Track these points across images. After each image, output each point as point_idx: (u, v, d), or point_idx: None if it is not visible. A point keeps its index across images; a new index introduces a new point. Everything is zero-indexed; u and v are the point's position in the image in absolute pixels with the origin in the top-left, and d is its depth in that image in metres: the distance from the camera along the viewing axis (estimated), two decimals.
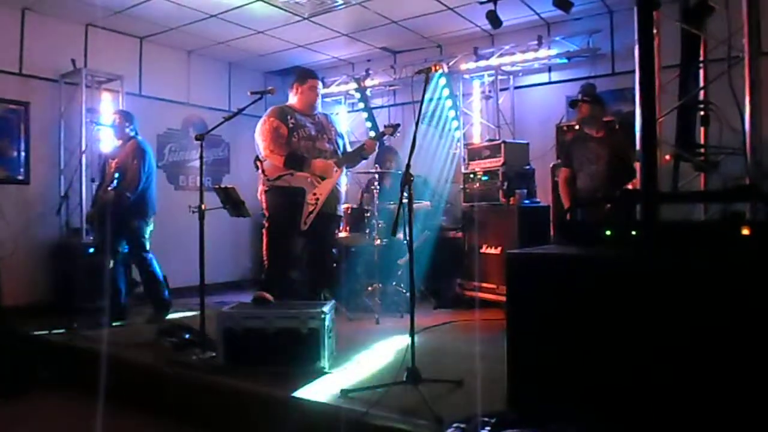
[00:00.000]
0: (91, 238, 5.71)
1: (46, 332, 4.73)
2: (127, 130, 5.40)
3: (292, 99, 4.77)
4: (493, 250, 5.54)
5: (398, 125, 4.89)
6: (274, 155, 4.42)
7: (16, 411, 3.81)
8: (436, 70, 3.70)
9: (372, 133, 7.30)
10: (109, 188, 5.01)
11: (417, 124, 3.35)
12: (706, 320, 1.97)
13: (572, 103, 5.07)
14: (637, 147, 3.53)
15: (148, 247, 5.37)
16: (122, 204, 5.08)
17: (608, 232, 2.46)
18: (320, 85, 4.84)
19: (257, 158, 4.62)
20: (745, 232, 2.14)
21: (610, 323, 2.18)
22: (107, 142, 6.08)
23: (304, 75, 4.82)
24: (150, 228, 5.40)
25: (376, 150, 5.22)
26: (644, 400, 2.07)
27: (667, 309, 2.04)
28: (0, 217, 5.63)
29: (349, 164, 4.85)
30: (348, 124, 8.08)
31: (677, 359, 2.01)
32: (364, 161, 5.05)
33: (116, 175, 5.03)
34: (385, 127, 4.93)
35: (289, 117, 4.57)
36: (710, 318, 1.96)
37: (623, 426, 2.14)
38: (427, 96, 3.60)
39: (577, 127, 5.32)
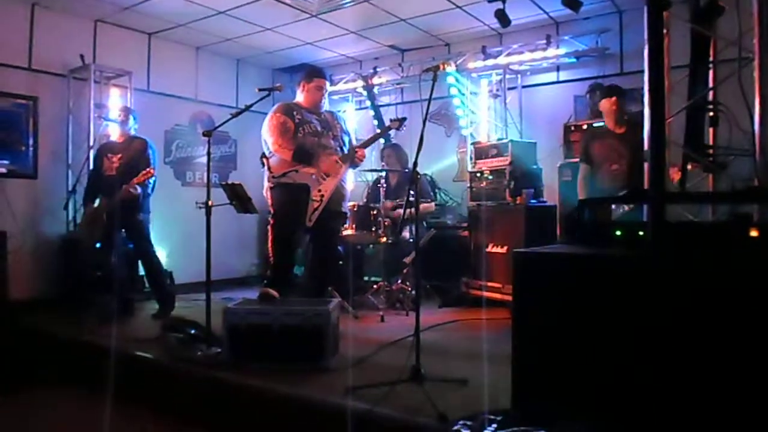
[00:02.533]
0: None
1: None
2: (132, 128, 5.42)
3: (299, 96, 4.78)
4: (499, 249, 5.52)
5: (404, 119, 4.89)
6: (283, 150, 4.43)
7: (19, 406, 3.83)
8: (443, 69, 3.69)
9: (379, 130, 7.30)
10: (132, 189, 4.96)
11: (424, 122, 3.35)
12: (714, 321, 1.96)
13: (607, 92, 4.88)
14: (646, 147, 3.52)
15: (149, 239, 5.38)
16: (139, 202, 5.12)
17: (618, 233, 2.45)
18: (327, 84, 4.83)
19: (263, 155, 4.63)
20: (754, 234, 2.13)
21: (616, 323, 2.17)
22: (114, 137, 6.09)
23: (311, 73, 4.81)
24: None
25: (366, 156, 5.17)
26: (650, 400, 2.06)
27: (675, 309, 2.03)
28: (8, 211, 5.66)
29: (351, 164, 4.85)
30: (355, 121, 8.07)
31: (685, 360, 2.01)
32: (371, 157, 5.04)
33: (153, 176, 5.01)
34: (391, 121, 4.93)
35: (295, 113, 4.58)
36: (718, 319, 1.95)
37: (630, 426, 2.13)
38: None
39: (596, 125, 5.25)
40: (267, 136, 4.53)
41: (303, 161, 4.44)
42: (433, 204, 6.41)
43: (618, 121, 4.78)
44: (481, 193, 5.85)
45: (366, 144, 4.92)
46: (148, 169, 4.95)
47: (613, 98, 4.72)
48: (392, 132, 5.01)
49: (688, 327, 2.00)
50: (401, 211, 5.81)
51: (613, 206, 4.26)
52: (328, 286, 4.97)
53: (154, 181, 5.22)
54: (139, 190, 5.00)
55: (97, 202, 5.30)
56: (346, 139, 4.87)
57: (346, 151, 4.75)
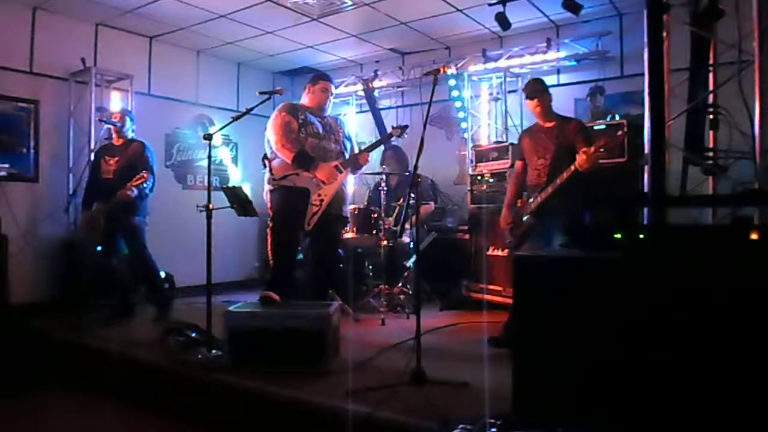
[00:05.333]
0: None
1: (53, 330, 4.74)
2: (129, 131, 5.42)
3: (304, 99, 4.81)
4: (499, 252, 5.53)
5: (406, 126, 4.90)
6: (285, 150, 4.44)
7: (22, 409, 3.83)
8: (444, 72, 3.70)
9: (393, 130, 7.29)
10: (129, 192, 4.95)
11: (425, 125, 3.36)
12: (715, 324, 1.96)
13: (526, 94, 4.46)
14: (646, 150, 3.53)
15: (144, 241, 5.33)
16: (134, 204, 5.12)
17: (618, 236, 2.45)
18: (332, 87, 4.87)
19: (265, 156, 4.64)
20: (754, 236, 2.13)
21: (617, 326, 2.17)
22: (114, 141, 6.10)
23: (318, 77, 4.88)
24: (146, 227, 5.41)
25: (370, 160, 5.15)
26: (651, 403, 2.06)
27: (676, 312, 2.03)
28: (9, 214, 5.66)
29: (351, 170, 4.85)
30: (357, 124, 8.08)
31: (686, 363, 2.00)
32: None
33: (146, 181, 4.98)
34: (393, 128, 4.94)
35: (299, 113, 4.60)
36: (719, 321, 1.95)
37: (631, 428, 2.13)
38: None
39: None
40: (271, 135, 4.54)
41: (302, 166, 4.44)
42: (432, 205, 6.41)
43: (546, 118, 4.45)
44: (482, 196, 5.86)
45: (369, 149, 4.93)
46: (141, 174, 4.93)
47: (535, 100, 4.41)
48: (393, 138, 5.02)
49: (689, 330, 2.00)
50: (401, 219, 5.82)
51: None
52: (329, 289, 4.97)
53: (153, 184, 5.22)
54: (135, 192, 4.99)
55: (95, 206, 5.27)
56: (348, 145, 4.87)
57: (347, 156, 4.76)
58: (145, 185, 4.99)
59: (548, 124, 4.41)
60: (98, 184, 5.31)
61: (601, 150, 3.91)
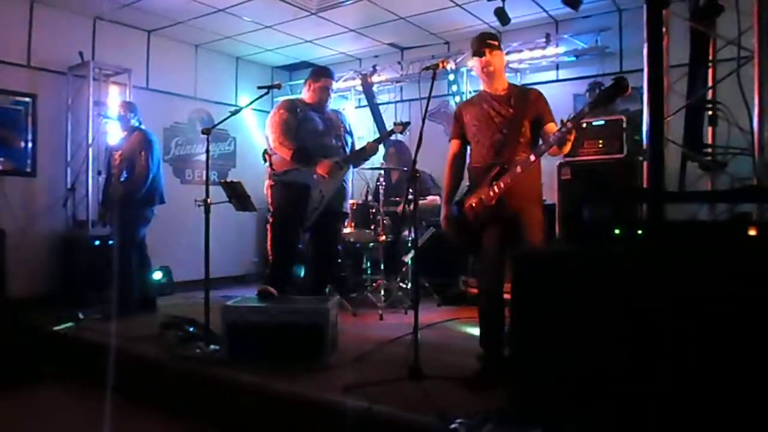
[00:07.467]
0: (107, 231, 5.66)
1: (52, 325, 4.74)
2: (132, 121, 5.41)
3: (305, 94, 4.78)
4: None
5: (408, 123, 4.88)
6: (283, 148, 4.42)
7: (21, 403, 3.83)
8: (443, 67, 3.67)
9: (395, 126, 7.27)
10: (120, 183, 4.96)
11: (423, 120, 3.35)
12: (713, 320, 1.96)
13: (476, 47, 3.51)
14: (645, 146, 3.52)
15: (134, 239, 5.28)
16: (133, 197, 5.12)
17: (617, 231, 2.45)
18: (333, 84, 4.84)
19: (266, 151, 4.63)
20: (752, 232, 2.13)
21: (614, 322, 2.17)
22: (114, 135, 6.09)
23: (319, 73, 4.81)
24: (148, 219, 5.40)
25: (379, 150, 5.15)
26: (647, 398, 2.07)
27: (672, 308, 2.03)
28: (6, 209, 5.65)
29: (353, 164, 4.84)
30: (355, 120, 8.05)
31: (684, 359, 2.01)
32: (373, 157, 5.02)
33: (123, 170, 5.00)
34: (395, 124, 4.92)
35: (298, 110, 4.58)
36: (717, 318, 1.95)
37: (626, 424, 2.13)
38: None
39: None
40: (269, 132, 4.52)
41: (301, 163, 4.43)
42: (438, 198, 6.39)
43: (496, 82, 3.55)
44: None
45: (377, 142, 4.91)
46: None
47: (484, 57, 3.47)
48: (394, 134, 5.01)
49: (687, 326, 2.01)
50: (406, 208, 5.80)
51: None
52: (328, 284, 4.97)
53: (148, 175, 5.18)
54: (121, 190, 5.03)
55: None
56: (349, 140, 4.85)
57: (348, 152, 4.74)
58: (123, 178, 4.97)
59: (501, 91, 3.53)
60: (111, 181, 5.39)
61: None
